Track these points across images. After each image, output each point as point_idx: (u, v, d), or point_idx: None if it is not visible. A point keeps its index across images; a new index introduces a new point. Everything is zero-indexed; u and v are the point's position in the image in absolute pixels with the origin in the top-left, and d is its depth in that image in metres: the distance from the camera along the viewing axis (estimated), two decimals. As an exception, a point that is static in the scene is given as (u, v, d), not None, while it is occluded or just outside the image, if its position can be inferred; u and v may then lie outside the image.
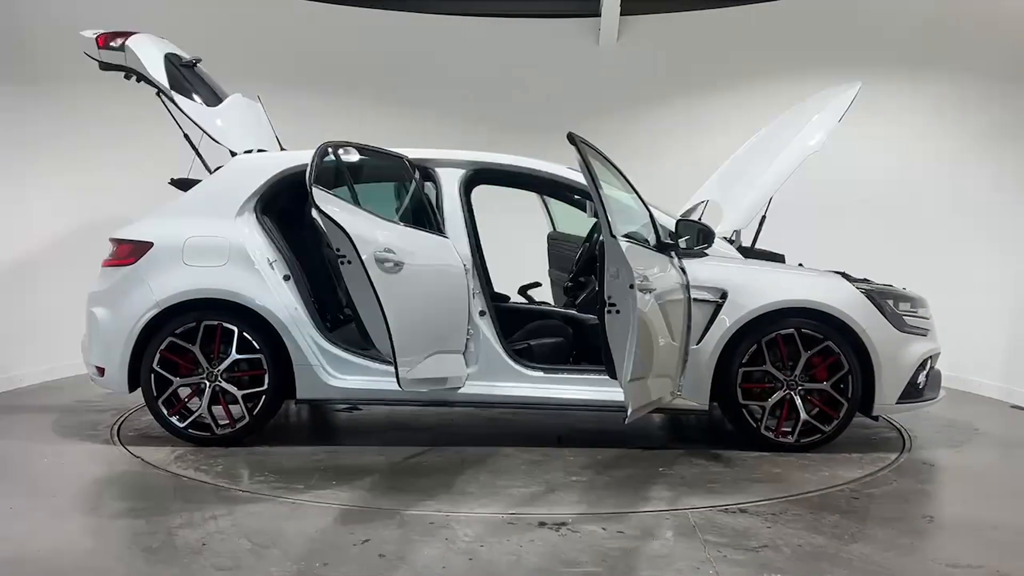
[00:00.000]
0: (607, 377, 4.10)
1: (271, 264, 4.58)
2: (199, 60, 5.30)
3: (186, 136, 5.19)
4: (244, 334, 4.49)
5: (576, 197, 4.97)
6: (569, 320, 5.32)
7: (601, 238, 3.90)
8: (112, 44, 4.93)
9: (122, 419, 5.21)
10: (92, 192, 6.77)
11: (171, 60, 5.05)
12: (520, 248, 6.51)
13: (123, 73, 5.00)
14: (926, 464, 4.49)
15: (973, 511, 3.79)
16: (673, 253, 4.44)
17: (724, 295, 4.45)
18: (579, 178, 4.51)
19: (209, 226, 4.61)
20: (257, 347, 4.51)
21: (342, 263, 3.89)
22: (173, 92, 4.93)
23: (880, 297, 4.54)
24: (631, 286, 3.72)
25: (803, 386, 4.47)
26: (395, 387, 4.02)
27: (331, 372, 4.54)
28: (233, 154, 4.93)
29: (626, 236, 3.91)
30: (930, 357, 4.65)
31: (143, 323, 4.50)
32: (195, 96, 5.04)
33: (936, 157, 7.00)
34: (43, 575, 3.00)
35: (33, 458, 4.51)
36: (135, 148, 6.86)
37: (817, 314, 4.45)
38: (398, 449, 4.60)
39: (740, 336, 4.44)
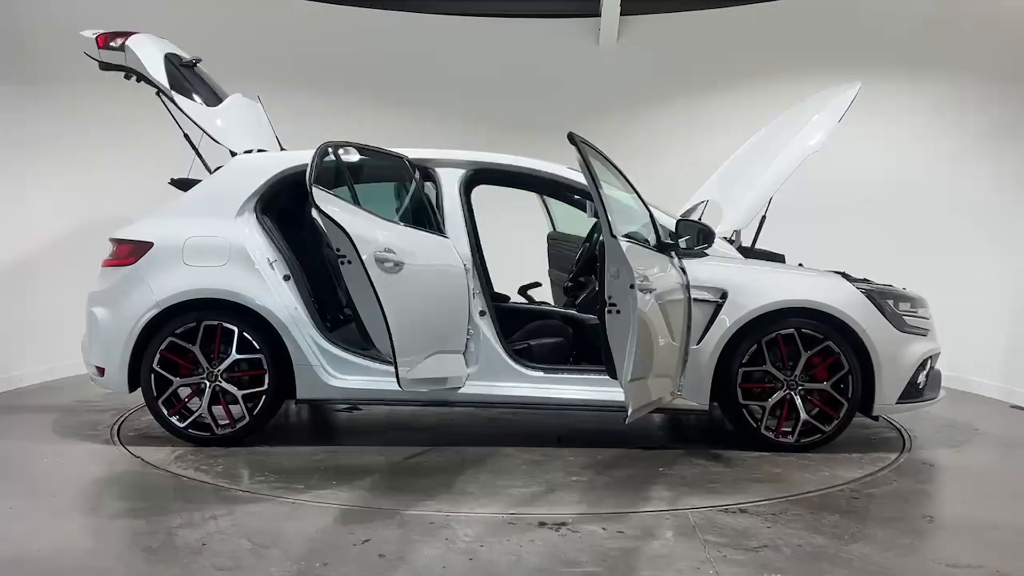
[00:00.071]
0: (607, 377, 4.11)
1: (271, 264, 4.58)
2: (199, 60, 5.30)
3: (186, 136, 5.19)
4: (244, 334, 4.49)
5: (576, 197, 4.97)
6: (569, 320, 5.31)
7: (601, 238, 3.91)
8: (112, 44, 4.93)
9: (122, 419, 5.21)
10: (92, 192, 6.77)
11: (171, 60, 5.05)
12: (520, 248, 6.51)
13: (123, 73, 5.01)
14: (926, 464, 4.49)
15: (973, 511, 3.79)
16: (673, 253, 4.44)
17: (724, 295, 4.46)
18: (579, 178, 4.51)
19: (209, 226, 4.61)
20: (257, 347, 4.51)
21: (342, 263, 3.89)
22: (173, 92, 4.93)
23: (880, 297, 4.54)
24: (631, 286, 3.72)
25: (803, 386, 4.47)
26: (395, 387, 4.03)
27: (331, 372, 4.54)
28: (233, 154, 4.93)
29: (626, 236, 3.91)
30: (930, 357, 4.65)
31: (143, 323, 4.50)
32: (195, 96, 5.04)
33: (936, 157, 7.01)
34: (43, 575, 3.00)
35: (33, 458, 4.51)
36: (135, 148, 6.86)
37: (817, 314, 4.45)
38: (398, 449, 4.60)
39: (740, 336, 4.45)
